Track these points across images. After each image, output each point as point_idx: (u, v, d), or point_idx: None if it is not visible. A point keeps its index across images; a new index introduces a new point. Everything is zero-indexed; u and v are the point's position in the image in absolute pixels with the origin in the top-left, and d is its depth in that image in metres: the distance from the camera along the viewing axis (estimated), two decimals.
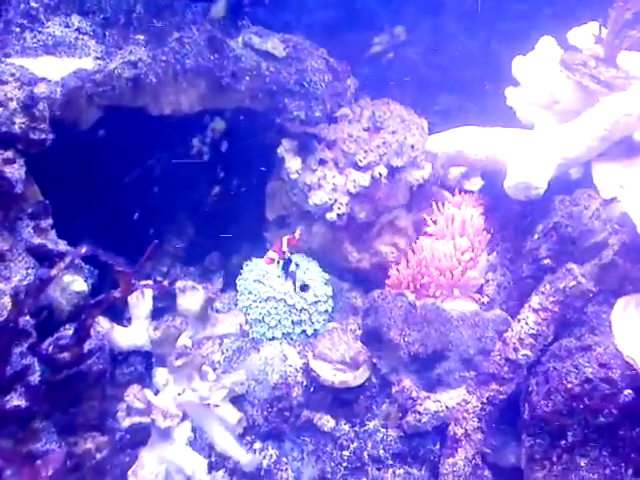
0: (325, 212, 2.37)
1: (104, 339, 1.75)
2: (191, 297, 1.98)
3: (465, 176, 2.56)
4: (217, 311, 2.22)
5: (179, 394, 1.84)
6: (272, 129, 2.40)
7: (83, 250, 1.39)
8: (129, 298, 2.01)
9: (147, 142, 2.54)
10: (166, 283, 1.46)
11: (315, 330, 2.27)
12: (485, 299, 2.03)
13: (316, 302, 2.36)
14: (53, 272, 1.34)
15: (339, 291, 2.50)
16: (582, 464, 1.72)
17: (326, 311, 2.37)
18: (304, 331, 2.27)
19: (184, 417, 1.99)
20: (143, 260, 1.44)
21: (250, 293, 2.36)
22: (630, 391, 1.66)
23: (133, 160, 2.54)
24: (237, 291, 2.40)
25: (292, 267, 2.09)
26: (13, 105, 1.71)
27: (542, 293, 1.78)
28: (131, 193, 2.55)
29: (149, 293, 2.03)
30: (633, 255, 1.75)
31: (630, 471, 1.74)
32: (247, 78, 2.26)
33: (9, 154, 1.70)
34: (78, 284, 1.74)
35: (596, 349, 1.68)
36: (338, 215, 2.36)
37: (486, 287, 2.06)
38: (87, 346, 1.65)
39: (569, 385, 1.66)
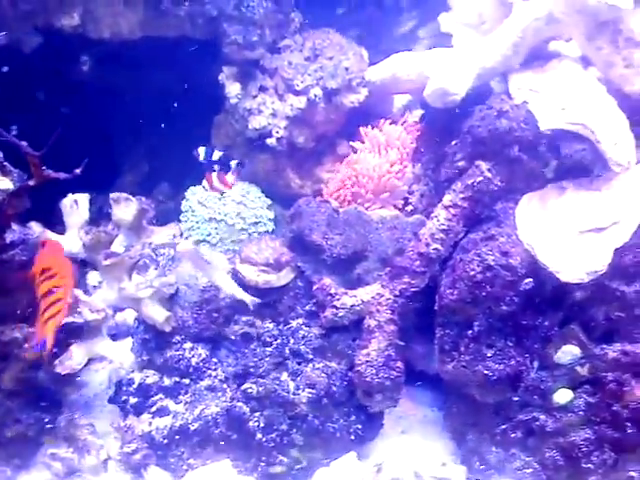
0: (265, 138, 2.44)
1: (29, 234, 1.82)
2: (125, 208, 2.06)
3: (408, 107, 2.62)
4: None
5: None
6: (214, 58, 2.47)
7: None
8: (62, 207, 2.09)
9: (97, 74, 2.62)
10: (78, 171, 1.52)
11: None
12: (409, 208, 2.10)
13: (256, 223, 2.44)
14: None
15: (282, 218, 2.57)
16: (489, 355, 1.79)
17: (266, 232, 2.44)
18: None
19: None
20: (50, 143, 1.50)
21: (193, 215, 2.44)
22: (530, 279, 1.73)
23: (82, 93, 2.62)
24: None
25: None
26: None
27: (453, 191, 1.85)
28: (81, 127, 2.63)
29: (85, 202, 2.11)
30: (537, 152, 1.81)
31: (536, 363, 1.81)
32: (186, 3, 2.33)
33: None
34: (3, 183, 1.81)
35: (499, 239, 1.75)
36: (277, 139, 2.43)
37: (410, 197, 2.13)
38: (9, 237, 1.72)
39: (472, 272, 1.73)
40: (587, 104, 1.71)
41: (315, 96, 2.34)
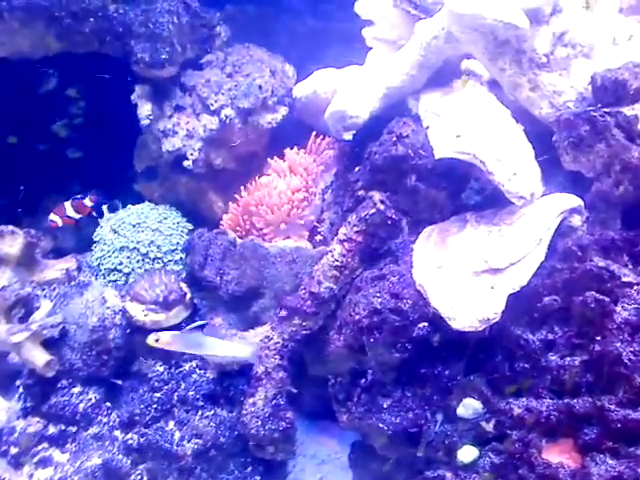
0: (182, 160, 2.30)
1: None
2: (11, 242, 1.93)
3: (345, 128, 2.46)
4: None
5: None
6: (127, 76, 2.34)
7: None
8: None
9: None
10: None
11: None
12: (319, 237, 1.94)
13: (173, 251, 2.29)
14: None
15: None
16: (384, 406, 1.62)
17: (181, 259, 2.29)
18: None
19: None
20: None
21: (105, 243, 2.30)
22: (425, 324, 1.56)
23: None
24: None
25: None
26: None
27: (349, 223, 1.69)
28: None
29: None
30: (437, 181, 1.64)
31: (440, 416, 1.64)
32: (91, 20, 2.19)
33: None
34: None
35: (390, 278, 1.58)
36: (193, 161, 2.28)
37: (320, 226, 1.97)
38: None
39: (357, 317, 1.57)
40: (485, 131, 1.53)
41: (226, 117, 2.19)
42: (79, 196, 2.20)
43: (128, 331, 1.87)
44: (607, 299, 1.40)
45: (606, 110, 1.42)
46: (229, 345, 1.70)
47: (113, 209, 2.26)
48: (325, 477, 2.04)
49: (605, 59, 1.49)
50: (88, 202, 2.03)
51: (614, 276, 1.40)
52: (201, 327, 1.68)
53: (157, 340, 1.63)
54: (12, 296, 1.80)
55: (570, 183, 1.59)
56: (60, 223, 2.03)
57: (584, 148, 1.47)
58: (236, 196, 2.14)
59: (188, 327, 1.65)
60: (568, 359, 1.45)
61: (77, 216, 2.02)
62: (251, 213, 1.97)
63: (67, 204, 2.04)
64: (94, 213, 2.14)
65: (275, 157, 2.15)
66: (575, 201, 1.50)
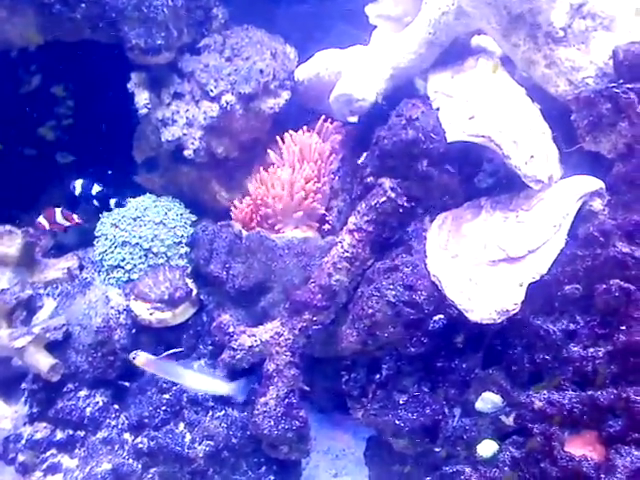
0: (182, 149, 2.22)
1: None
2: (9, 242, 1.87)
3: (351, 112, 2.37)
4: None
5: None
6: (121, 63, 2.25)
7: None
8: None
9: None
10: None
11: None
12: (327, 226, 1.87)
13: (177, 244, 2.22)
14: None
15: None
16: (400, 402, 1.56)
17: (186, 253, 2.23)
18: None
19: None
20: None
21: (106, 239, 2.23)
22: (441, 316, 1.49)
23: None
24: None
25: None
26: None
27: (358, 212, 1.62)
28: None
29: None
30: (450, 166, 1.56)
31: (458, 410, 1.58)
32: (83, 5, 2.10)
33: None
34: None
35: (403, 269, 1.51)
36: (194, 151, 2.20)
37: (328, 214, 1.89)
38: None
39: (370, 311, 1.50)
40: (499, 111, 1.45)
41: (227, 103, 2.11)
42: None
43: (133, 331, 1.82)
44: (632, 287, 1.33)
45: (629, 86, 1.34)
46: (205, 380, 1.64)
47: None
48: (340, 473, 1.99)
49: (627, 31, 1.40)
50: (76, 218, 1.97)
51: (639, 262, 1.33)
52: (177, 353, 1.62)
53: (134, 358, 1.57)
54: (13, 299, 1.74)
55: (588, 164, 1.50)
56: (47, 227, 1.97)
57: (605, 127, 1.39)
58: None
59: (165, 353, 1.59)
60: (591, 350, 1.38)
61: (66, 224, 1.96)
62: (259, 205, 1.89)
63: (57, 210, 1.97)
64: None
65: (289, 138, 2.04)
66: (596, 184, 1.42)
